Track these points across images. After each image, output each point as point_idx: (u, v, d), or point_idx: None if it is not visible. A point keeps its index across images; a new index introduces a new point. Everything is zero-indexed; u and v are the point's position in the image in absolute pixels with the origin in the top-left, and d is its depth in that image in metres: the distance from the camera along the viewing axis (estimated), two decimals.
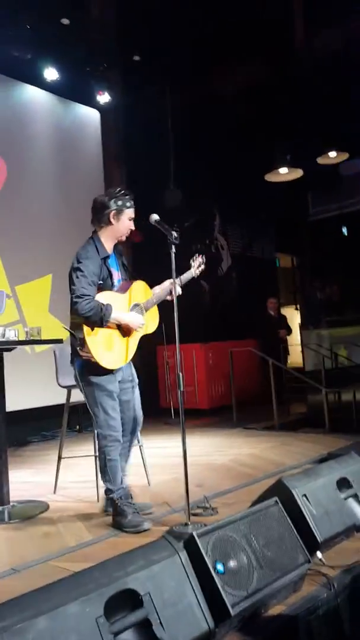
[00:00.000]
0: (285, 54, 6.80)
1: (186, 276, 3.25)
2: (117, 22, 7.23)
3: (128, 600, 1.50)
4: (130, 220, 3.02)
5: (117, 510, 2.90)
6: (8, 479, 3.36)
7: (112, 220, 2.99)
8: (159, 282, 3.21)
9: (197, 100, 7.41)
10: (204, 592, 1.65)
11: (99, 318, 2.77)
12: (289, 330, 8.13)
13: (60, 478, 3.71)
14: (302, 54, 6.64)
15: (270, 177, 7.58)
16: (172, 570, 1.63)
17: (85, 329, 2.81)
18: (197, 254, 3.27)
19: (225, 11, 6.60)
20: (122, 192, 3.02)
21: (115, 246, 3.11)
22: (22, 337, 3.56)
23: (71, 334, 2.91)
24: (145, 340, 3.10)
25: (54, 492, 3.64)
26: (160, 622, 1.50)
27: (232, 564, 1.78)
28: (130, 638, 1.46)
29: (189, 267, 3.29)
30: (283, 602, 1.94)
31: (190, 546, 1.72)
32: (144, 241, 7.41)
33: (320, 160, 7.72)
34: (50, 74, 6.36)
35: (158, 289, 3.18)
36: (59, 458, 3.71)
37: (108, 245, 3.04)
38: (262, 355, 6.28)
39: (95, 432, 3.01)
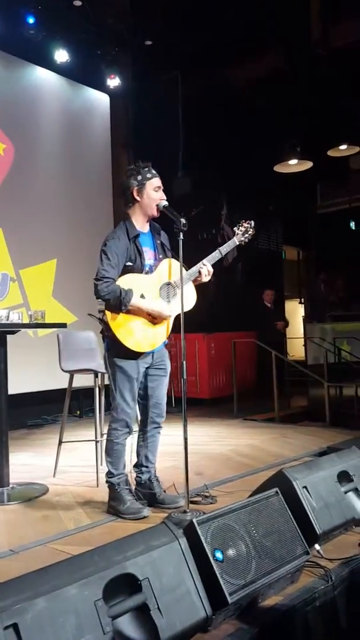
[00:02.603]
0: (299, 45, 6.71)
1: (229, 245, 3.05)
2: (130, 6, 7.14)
3: (127, 584, 1.50)
4: (156, 190, 2.90)
5: (114, 496, 2.86)
6: (8, 461, 3.37)
7: (136, 197, 2.89)
8: None
9: (208, 88, 7.33)
10: (202, 580, 1.65)
11: (118, 302, 2.68)
12: (287, 323, 8.08)
13: (60, 462, 3.72)
14: (316, 46, 6.55)
15: (280, 168, 7.52)
16: (171, 557, 1.63)
17: (108, 313, 2.74)
18: (243, 220, 3.07)
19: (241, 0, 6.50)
20: (139, 165, 2.92)
21: (153, 225, 3.01)
22: (26, 321, 3.56)
23: (99, 319, 2.85)
24: None
25: (54, 475, 3.66)
26: (158, 608, 1.50)
27: (231, 552, 1.78)
28: (128, 622, 1.46)
29: (230, 237, 3.09)
30: (280, 593, 1.95)
31: (190, 533, 1.72)
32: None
33: (331, 153, 7.66)
34: (61, 56, 6.29)
35: (194, 267, 2.99)
36: (60, 442, 3.72)
37: (140, 225, 2.93)
38: (263, 347, 6.26)
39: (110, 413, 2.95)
